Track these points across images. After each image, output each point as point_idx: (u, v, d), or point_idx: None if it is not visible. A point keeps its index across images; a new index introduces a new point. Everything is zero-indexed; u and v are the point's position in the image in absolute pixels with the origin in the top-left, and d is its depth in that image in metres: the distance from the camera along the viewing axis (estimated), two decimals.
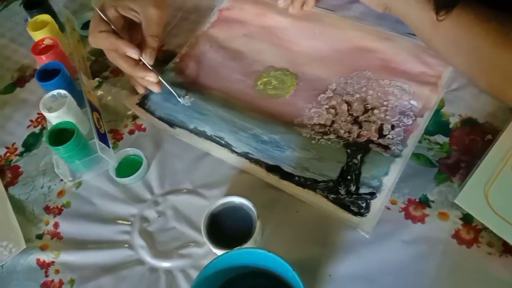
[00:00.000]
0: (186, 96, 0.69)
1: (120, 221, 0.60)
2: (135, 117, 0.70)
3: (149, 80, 0.65)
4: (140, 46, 0.64)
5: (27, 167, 0.69)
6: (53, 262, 0.59)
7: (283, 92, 0.67)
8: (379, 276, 0.50)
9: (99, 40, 0.64)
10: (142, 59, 0.64)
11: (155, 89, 0.67)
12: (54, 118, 0.63)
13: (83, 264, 0.58)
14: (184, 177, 0.62)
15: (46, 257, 0.59)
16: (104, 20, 0.64)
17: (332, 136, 0.61)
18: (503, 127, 0.55)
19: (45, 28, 0.74)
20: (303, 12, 0.74)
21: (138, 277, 0.55)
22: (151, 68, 0.65)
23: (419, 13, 0.58)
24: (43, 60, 0.71)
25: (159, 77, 0.66)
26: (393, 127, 0.60)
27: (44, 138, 0.71)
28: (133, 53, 0.63)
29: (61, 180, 0.66)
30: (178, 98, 0.67)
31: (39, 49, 0.73)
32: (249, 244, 0.50)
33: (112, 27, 0.64)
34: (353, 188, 0.56)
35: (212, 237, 0.52)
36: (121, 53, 0.64)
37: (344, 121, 0.62)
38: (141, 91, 0.70)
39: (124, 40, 0.63)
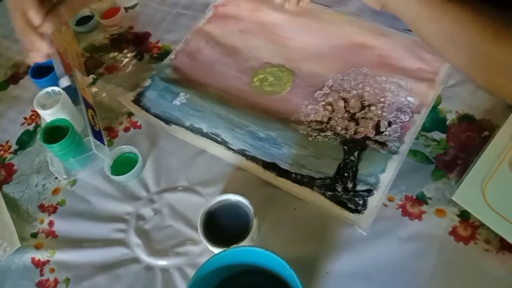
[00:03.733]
0: (181, 94, 0.68)
1: (115, 219, 0.60)
2: (130, 114, 0.70)
3: (38, 48, 0.60)
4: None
5: (21, 165, 0.69)
6: (48, 260, 0.59)
7: (280, 89, 0.67)
8: (376, 273, 0.50)
9: None
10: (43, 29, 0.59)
11: (39, 58, 0.62)
12: (48, 116, 0.63)
13: (79, 263, 0.57)
14: (180, 174, 0.62)
15: (41, 255, 0.59)
16: None
17: (329, 133, 0.61)
18: (500, 124, 0.55)
19: None
20: (299, 8, 0.73)
21: (134, 276, 0.55)
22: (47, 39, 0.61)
23: (415, 10, 0.58)
24: None
25: (49, 51, 0.62)
26: (390, 123, 0.60)
27: (38, 136, 0.71)
28: (34, 16, 0.58)
29: (56, 178, 0.65)
30: (62, 83, 0.64)
31: None
32: (246, 242, 0.50)
33: None
34: (350, 185, 0.56)
35: (209, 235, 0.52)
36: (24, 11, 0.59)
37: (341, 118, 0.62)
38: (29, 61, 0.65)
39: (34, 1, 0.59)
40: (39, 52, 0.62)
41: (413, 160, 0.57)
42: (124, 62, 0.77)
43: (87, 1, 0.65)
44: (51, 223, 0.62)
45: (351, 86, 0.64)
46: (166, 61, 0.74)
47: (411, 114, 0.60)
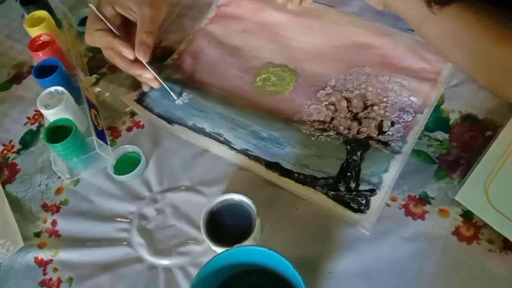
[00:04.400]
0: (184, 93, 0.69)
1: (118, 219, 0.60)
2: (133, 114, 0.70)
3: (146, 77, 0.65)
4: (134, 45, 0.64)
5: (25, 164, 0.69)
6: (51, 260, 0.59)
7: (282, 89, 0.67)
8: (379, 273, 0.50)
9: (95, 38, 0.64)
10: (139, 59, 0.64)
11: (154, 84, 0.67)
12: (51, 115, 0.63)
13: (82, 262, 0.58)
14: (182, 174, 0.62)
15: (44, 255, 0.59)
16: (101, 18, 0.63)
17: (331, 133, 0.61)
18: (503, 123, 0.55)
19: (42, 24, 0.74)
20: (301, 8, 0.73)
21: (136, 275, 0.55)
22: (147, 66, 0.64)
23: (418, 10, 0.58)
24: (40, 57, 0.70)
25: (156, 76, 0.65)
26: (392, 123, 0.60)
27: (41, 136, 0.71)
28: (128, 54, 0.63)
29: (59, 177, 0.65)
30: (174, 96, 0.67)
31: (36, 45, 0.72)
32: (248, 241, 0.50)
33: (109, 25, 0.63)
34: (353, 185, 0.56)
35: (212, 234, 0.52)
36: (117, 52, 0.64)
37: (344, 118, 0.62)
38: (145, 88, 0.70)
39: (120, 39, 0.63)
40: (148, 80, 0.66)
41: (416, 160, 0.57)
42: None
43: (159, 18, 0.69)
44: (54, 223, 0.62)
45: (353, 86, 0.64)
46: (169, 61, 0.75)
47: (414, 114, 0.60)
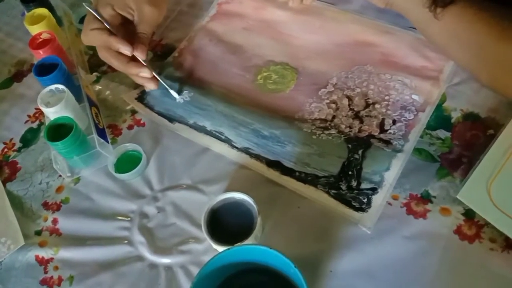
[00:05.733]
0: (185, 92, 0.68)
1: (119, 217, 0.60)
2: (134, 112, 0.70)
3: (143, 75, 0.65)
4: (133, 44, 0.63)
5: (25, 162, 0.69)
6: (52, 258, 0.59)
7: (283, 87, 0.67)
8: (381, 272, 0.50)
9: (91, 37, 0.64)
10: (136, 56, 0.63)
11: (151, 86, 0.67)
12: (52, 113, 0.63)
13: (82, 261, 0.58)
14: (183, 172, 0.62)
15: (45, 253, 0.59)
16: (97, 18, 0.63)
17: (333, 131, 0.60)
18: (505, 122, 0.54)
19: (42, 22, 0.74)
20: (303, 5, 0.73)
21: (137, 274, 0.55)
22: (144, 64, 0.64)
23: (420, 8, 0.58)
24: (40, 55, 0.70)
25: (154, 74, 0.65)
26: (394, 122, 0.59)
27: (42, 134, 0.71)
28: (126, 49, 0.62)
29: (60, 176, 0.65)
30: (174, 95, 0.67)
31: (36, 43, 0.72)
32: (249, 240, 0.50)
33: (106, 25, 0.63)
34: (354, 183, 0.56)
35: (212, 233, 0.52)
36: (113, 50, 0.63)
37: (345, 116, 0.61)
38: (151, 86, 0.68)
39: (116, 37, 0.62)
40: (147, 81, 0.66)
41: (417, 158, 0.56)
42: None
43: (159, 16, 0.68)
44: (55, 221, 0.62)
45: (355, 84, 0.64)
46: (170, 59, 0.74)
47: (415, 112, 0.60)
